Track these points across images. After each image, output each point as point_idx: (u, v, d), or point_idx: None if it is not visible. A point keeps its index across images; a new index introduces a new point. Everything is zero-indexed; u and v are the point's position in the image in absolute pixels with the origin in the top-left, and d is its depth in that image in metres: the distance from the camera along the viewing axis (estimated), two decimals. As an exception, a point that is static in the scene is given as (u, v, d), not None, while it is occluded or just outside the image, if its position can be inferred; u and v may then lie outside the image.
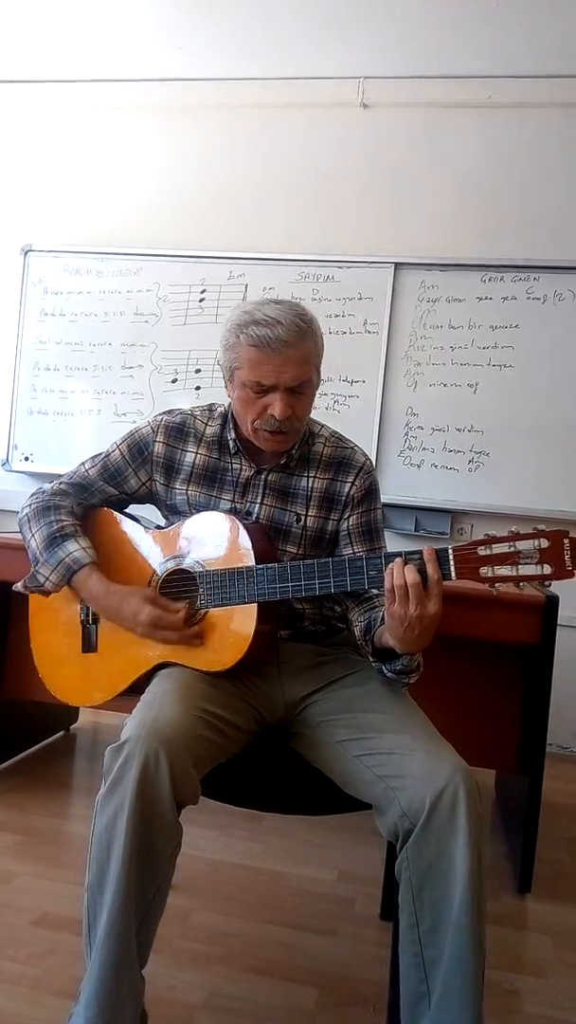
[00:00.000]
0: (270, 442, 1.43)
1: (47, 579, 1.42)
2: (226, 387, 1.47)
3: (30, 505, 1.51)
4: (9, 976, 1.48)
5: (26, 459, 3.58)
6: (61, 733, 2.84)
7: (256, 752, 1.40)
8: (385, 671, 1.36)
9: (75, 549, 1.43)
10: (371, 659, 1.40)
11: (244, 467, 1.49)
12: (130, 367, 3.49)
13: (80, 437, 3.51)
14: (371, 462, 1.55)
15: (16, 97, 3.66)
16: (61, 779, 2.49)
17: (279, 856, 2.06)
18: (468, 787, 1.16)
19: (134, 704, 1.30)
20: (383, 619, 1.31)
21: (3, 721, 2.44)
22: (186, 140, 3.53)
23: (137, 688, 1.40)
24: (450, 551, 1.23)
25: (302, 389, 1.41)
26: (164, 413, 1.55)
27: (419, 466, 3.23)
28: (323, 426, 1.57)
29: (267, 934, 1.71)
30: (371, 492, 1.52)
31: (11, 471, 3.59)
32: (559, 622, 1.93)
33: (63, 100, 3.63)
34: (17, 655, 2.28)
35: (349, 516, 1.49)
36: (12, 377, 3.60)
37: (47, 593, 1.45)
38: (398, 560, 1.23)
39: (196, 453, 1.50)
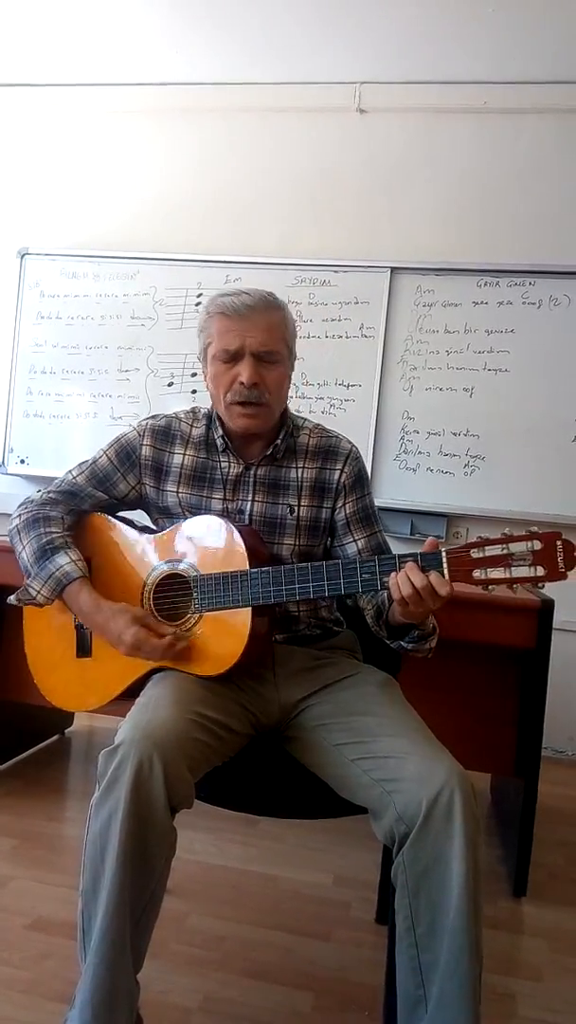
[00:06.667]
0: (243, 417, 1.43)
1: (39, 592, 1.41)
2: (204, 380, 1.49)
3: (19, 516, 1.49)
4: (3, 980, 1.47)
5: (22, 462, 3.58)
6: (56, 737, 2.83)
7: (251, 756, 1.39)
8: (405, 645, 1.39)
9: (65, 563, 1.41)
10: (387, 641, 1.42)
11: (232, 464, 1.49)
12: (126, 370, 3.49)
13: (76, 440, 3.51)
14: (357, 448, 1.56)
15: (13, 100, 3.67)
16: (56, 783, 2.48)
17: (274, 860, 2.06)
18: (464, 790, 1.16)
19: (129, 708, 1.29)
20: (390, 598, 1.33)
21: (-2, 724, 2.43)
22: (183, 144, 3.54)
23: (132, 693, 1.40)
24: (443, 553, 1.24)
25: (271, 359, 1.43)
26: (149, 418, 1.56)
27: (415, 470, 3.23)
28: (305, 419, 1.59)
29: (262, 938, 1.70)
30: (361, 478, 1.54)
31: (7, 474, 3.59)
32: (554, 626, 1.94)
33: (60, 103, 3.63)
34: (11, 658, 2.28)
35: (344, 504, 1.51)
36: (8, 380, 3.60)
37: (40, 605, 1.45)
38: (410, 564, 1.24)
39: (184, 455, 1.51)
